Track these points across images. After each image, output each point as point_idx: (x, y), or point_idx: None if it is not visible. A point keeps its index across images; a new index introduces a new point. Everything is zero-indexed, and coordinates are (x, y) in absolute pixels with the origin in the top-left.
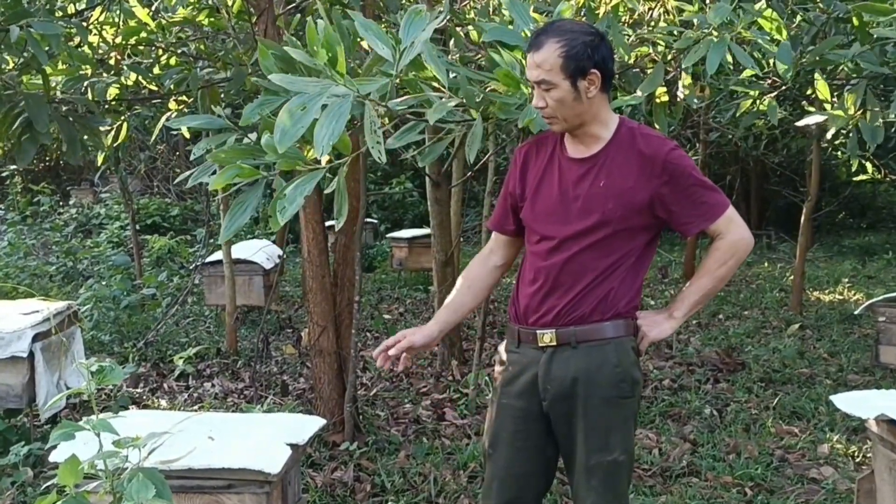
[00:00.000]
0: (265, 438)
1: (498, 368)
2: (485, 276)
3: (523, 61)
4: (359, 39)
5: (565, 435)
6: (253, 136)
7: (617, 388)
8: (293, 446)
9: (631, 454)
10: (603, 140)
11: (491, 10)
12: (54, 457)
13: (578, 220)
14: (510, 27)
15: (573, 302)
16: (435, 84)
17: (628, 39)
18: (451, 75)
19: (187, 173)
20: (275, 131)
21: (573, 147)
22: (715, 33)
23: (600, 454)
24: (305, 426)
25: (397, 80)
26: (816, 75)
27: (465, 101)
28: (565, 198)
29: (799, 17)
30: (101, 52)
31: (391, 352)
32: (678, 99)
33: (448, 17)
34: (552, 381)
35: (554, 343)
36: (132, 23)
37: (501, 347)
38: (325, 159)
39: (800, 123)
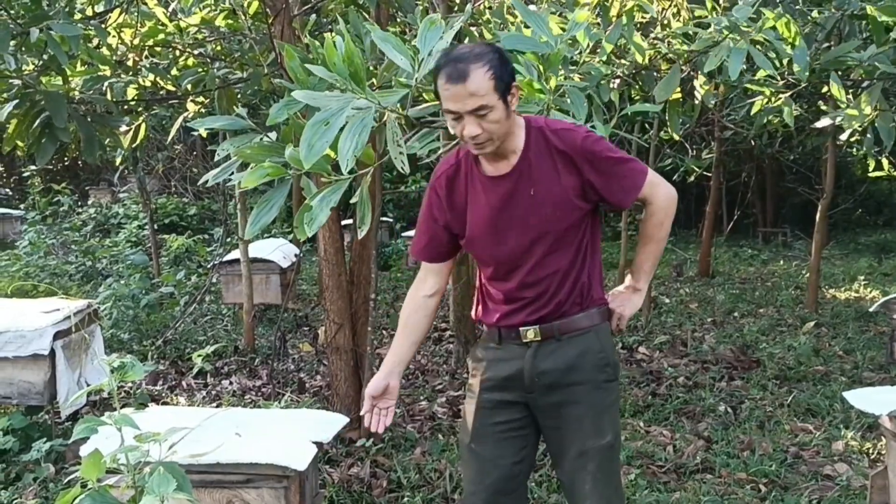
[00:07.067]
0: (290, 435)
1: (473, 366)
2: (419, 311)
3: (540, 67)
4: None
5: (555, 425)
6: (273, 135)
7: (603, 373)
8: (317, 444)
9: (619, 438)
10: (518, 150)
11: (505, 9)
12: (83, 451)
13: (522, 234)
14: (527, 31)
15: (549, 303)
16: None
17: (644, 41)
18: None
19: (210, 173)
20: (300, 146)
21: (490, 165)
22: (733, 36)
23: (595, 439)
24: (329, 423)
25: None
26: (831, 78)
27: None
28: (501, 218)
29: (815, 13)
30: (119, 53)
31: (370, 414)
32: (695, 101)
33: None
34: (540, 373)
35: (538, 338)
36: (150, 24)
37: (476, 349)
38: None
39: (816, 125)
